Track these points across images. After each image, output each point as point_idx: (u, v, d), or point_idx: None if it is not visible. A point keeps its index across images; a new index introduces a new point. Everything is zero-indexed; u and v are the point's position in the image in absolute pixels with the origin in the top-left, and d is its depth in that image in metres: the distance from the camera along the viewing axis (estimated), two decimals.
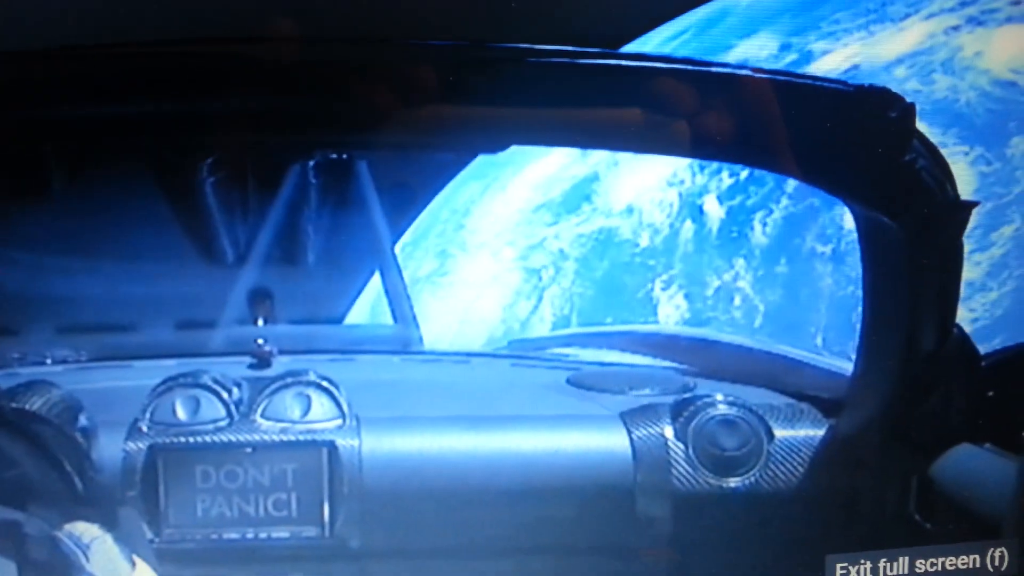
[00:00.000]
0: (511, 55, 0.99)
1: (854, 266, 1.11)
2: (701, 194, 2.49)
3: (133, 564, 0.90)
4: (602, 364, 1.46)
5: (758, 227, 2.32)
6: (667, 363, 1.42)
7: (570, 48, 0.99)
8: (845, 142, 1.02)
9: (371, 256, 1.34)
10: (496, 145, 1.23)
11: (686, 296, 2.36)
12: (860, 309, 1.11)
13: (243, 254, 1.29)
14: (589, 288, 2.22)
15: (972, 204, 1.02)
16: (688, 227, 2.46)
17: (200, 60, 0.99)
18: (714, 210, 2.45)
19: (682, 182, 2.52)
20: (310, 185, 1.24)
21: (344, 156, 1.25)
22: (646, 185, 2.46)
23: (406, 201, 1.44)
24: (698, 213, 2.46)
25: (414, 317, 1.37)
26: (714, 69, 1.02)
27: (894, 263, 1.06)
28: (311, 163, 1.23)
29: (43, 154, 1.21)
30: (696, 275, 2.39)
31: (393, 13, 0.98)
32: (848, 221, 1.11)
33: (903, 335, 1.07)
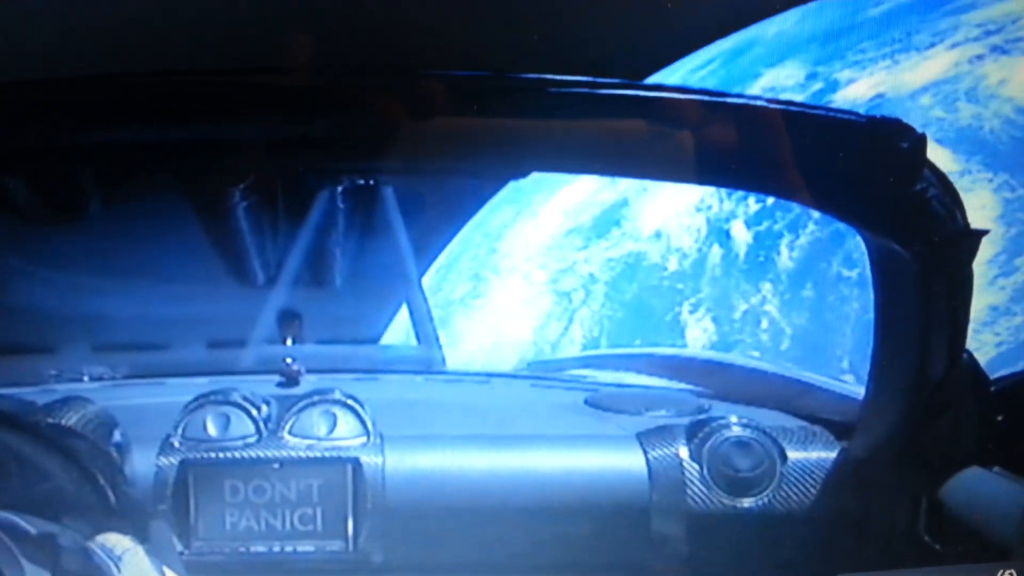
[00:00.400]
0: (531, 85, 1.01)
1: None
2: (728, 219, 2.50)
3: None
4: (619, 385, 1.47)
5: (784, 252, 2.33)
6: (683, 385, 1.43)
7: (588, 79, 1.01)
8: (857, 171, 1.02)
9: (396, 279, 1.36)
10: (517, 171, 1.25)
11: (713, 319, 2.38)
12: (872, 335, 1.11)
13: (273, 276, 1.32)
14: (618, 311, 2.27)
15: (982, 232, 1.03)
16: (715, 252, 2.48)
17: (231, 88, 1.02)
18: (741, 235, 2.46)
19: (709, 207, 2.54)
20: (337, 210, 1.27)
21: (371, 182, 1.27)
22: (674, 210, 2.49)
23: (435, 226, 1.46)
24: (725, 238, 2.48)
25: (437, 338, 1.38)
26: (729, 100, 1.03)
27: (905, 290, 1.06)
28: (339, 189, 1.25)
29: (81, 178, 1.24)
30: (723, 299, 2.40)
31: (422, 45, 1.01)
32: None
33: (914, 360, 1.07)
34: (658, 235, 2.35)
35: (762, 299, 2.28)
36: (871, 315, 1.12)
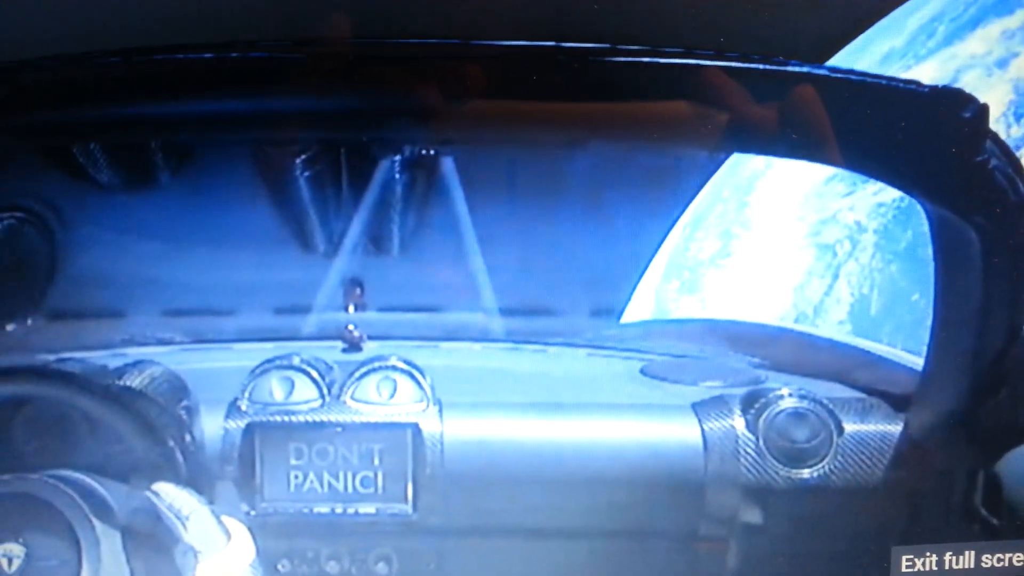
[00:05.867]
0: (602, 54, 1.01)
1: None
2: None
3: (229, 535, 0.93)
4: (675, 355, 1.46)
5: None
6: (739, 354, 1.40)
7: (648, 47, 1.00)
8: (919, 141, 1.01)
9: (456, 247, 1.35)
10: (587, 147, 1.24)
11: None
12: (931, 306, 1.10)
13: (336, 244, 1.33)
14: (891, 262, 1.99)
15: None
16: None
17: (293, 62, 1.03)
18: None
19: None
20: (396, 180, 1.28)
21: (432, 152, 1.27)
22: None
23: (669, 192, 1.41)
24: None
25: (496, 306, 1.38)
26: (791, 68, 1.03)
27: (966, 262, 1.04)
28: (398, 159, 1.26)
29: (152, 148, 1.25)
30: None
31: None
32: None
33: (973, 333, 1.06)
34: None
35: None
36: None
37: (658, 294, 1.53)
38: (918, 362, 1.16)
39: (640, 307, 1.47)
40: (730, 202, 1.81)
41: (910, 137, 1.01)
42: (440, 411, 1.15)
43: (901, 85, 1.02)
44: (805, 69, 1.02)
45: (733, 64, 1.02)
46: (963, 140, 0.99)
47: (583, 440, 1.15)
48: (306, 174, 1.26)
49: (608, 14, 0.98)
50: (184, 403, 1.13)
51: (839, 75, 1.02)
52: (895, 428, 1.14)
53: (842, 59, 1.06)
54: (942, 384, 1.11)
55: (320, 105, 1.06)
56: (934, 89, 1.01)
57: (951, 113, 0.99)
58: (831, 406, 1.14)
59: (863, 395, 1.20)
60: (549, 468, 1.14)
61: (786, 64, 1.02)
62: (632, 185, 1.34)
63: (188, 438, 1.09)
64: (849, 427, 1.13)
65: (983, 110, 0.99)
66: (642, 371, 1.35)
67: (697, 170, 1.36)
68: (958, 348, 1.08)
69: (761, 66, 1.01)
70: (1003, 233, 1.02)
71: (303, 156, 1.24)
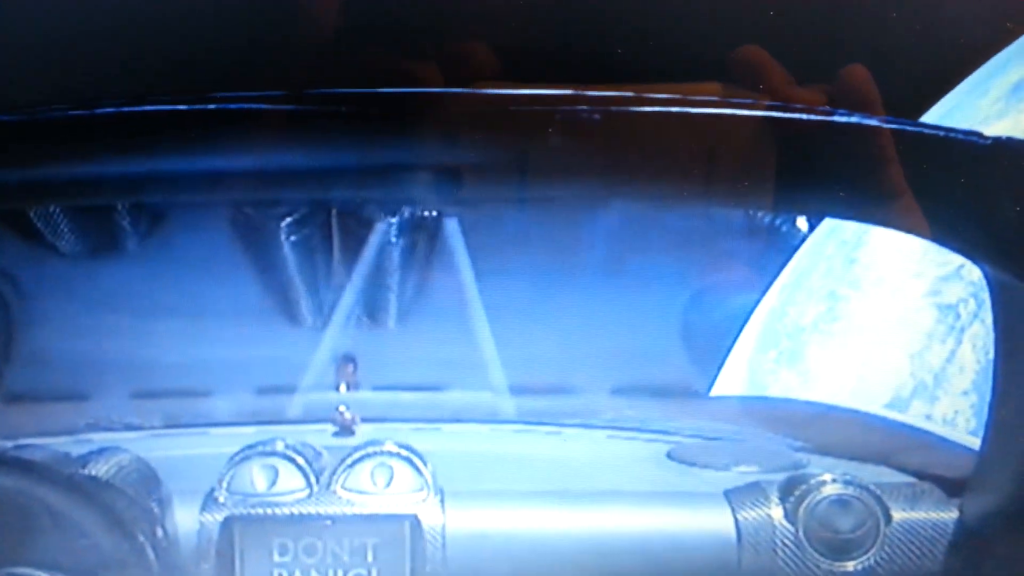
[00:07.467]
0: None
1: None
2: None
3: None
4: (705, 437, 1.40)
5: None
6: (777, 436, 1.34)
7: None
8: (978, 198, 0.97)
9: (460, 318, 1.28)
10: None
11: None
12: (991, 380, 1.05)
13: (326, 316, 1.28)
14: None
15: None
16: None
17: (274, 116, 0.97)
18: None
19: None
20: (394, 245, 1.23)
21: (433, 214, 1.22)
22: None
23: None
24: None
25: (506, 384, 1.32)
26: (837, 119, 0.97)
27: None
28: (395, 221, 1.21)
29: (117, 213, 1.21)
30: None
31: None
32: None
33: None
34: None
35: None
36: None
37: (751, 365, 1.44)
38: (974, 442, 1.11)
39: (732, 380, 1.38)
40: (835, 259, 1.71)
41: (969, 193, 0.97)
42: (442, 501, 1.09)
43: (961, 136, 0.98)
44: (854, 119, 0.97)
45: (764, 113, 0.96)
46: None
47: (602, 532, 1.10)
48: (292, 238, 1.21)
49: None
50: (155, 494, 1.07)
51: (892, 125, 0.97)
52: (949, 515, 1.08)
53: (964, 92, 1.00)
54: (1001, 467, 1.06)
55: (309, 162, 1.01)
56: (997, 141, 0.96)
57: (1013, 166, 0.95)
58: (878, 492, 1.08)
59: (914, 479, 1.15)
60: (564, 564, 1.09)
61: (831, 113, 0.97)
62: (662, 247, 1.29)
63: (160, 533, 1.03)
64: (898, 515, 1.08)
65: None
66: (669, 455, 1.30)
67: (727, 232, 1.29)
68: (1018, 426, 1.03)
69: (798, 115, 0.96)
70: None
71: (289, 218, 1.19)
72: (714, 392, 1.37)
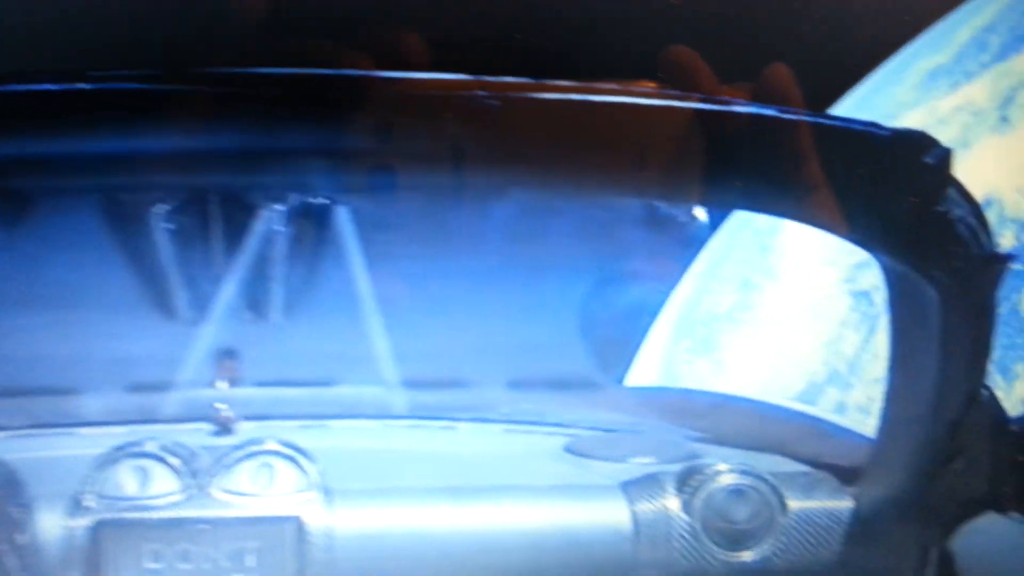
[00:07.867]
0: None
1: None
2: None
3: None
4: (603, 429, 1.41)
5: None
6: (673, 427, 1.37)
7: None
8: (876, 189, 0.98)
9: (351, 312, 1.26)
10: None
11: None
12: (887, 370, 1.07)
13: (204, 308, 1.24)
14: None
15: (1008, 257, 0.98)
16: None
17: (153, 93, 0.93)
18: None
19: None
20: (279, 234, 1.18)
21: (322, 201, 1.19)
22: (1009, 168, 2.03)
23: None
24: None
25: (396, 378, 1.31)
26: (737, 108, 0.97)
27: (923, 321, 1.01)
28: (281, 208, 1.16)
29: None
30: None
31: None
32: None
33: (928, 399, 1.02)
34: (987, 203, 1.81)
35: None
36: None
37: (666, 355, 1.42)
38: (869, 431, 1.14)
39: (646, 371, 1.37)
40: (750, 247, 1.71)
41: (866, 184, 0.97)
42: (329, 501, 1.06)
43: (859, 127, 0.99)
44: (752, 110, 0.97)
45: (664, 102, 0.96)
46: (924, 188, 0.95)
47: (497, 528, 1.09)
48: (168, 226, 1.17)
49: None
50: (17, 498, 1.03)
51: (790, 116, 0.98)
52: (843, 504, 1.09)
53: (880, 80, 1.00)
54: (894, 455, 1.07)
55: (186, 145, 0.97)
56: (895, 132, 0.97)
57: (912, 158, 0.95)
58: (774, 481, 1.09)
59: (809, 468, 1.17)
60: (459, 562, 1.07)
61: (731, 103, 0.97)
62: (560, 236, 1.28)
63: (22, 539, 1.00)
64: (793, 504, 1.08)
65: (947, 155, 0.96)
66: (566, 448, 1.31)
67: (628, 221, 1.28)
68: (912, 415, 1.05)
69: (700, 105, 0.96)
70: (963, 290, 0.98)
71: (165, 204, 1.15)
72: (626, 383, 1.37)
